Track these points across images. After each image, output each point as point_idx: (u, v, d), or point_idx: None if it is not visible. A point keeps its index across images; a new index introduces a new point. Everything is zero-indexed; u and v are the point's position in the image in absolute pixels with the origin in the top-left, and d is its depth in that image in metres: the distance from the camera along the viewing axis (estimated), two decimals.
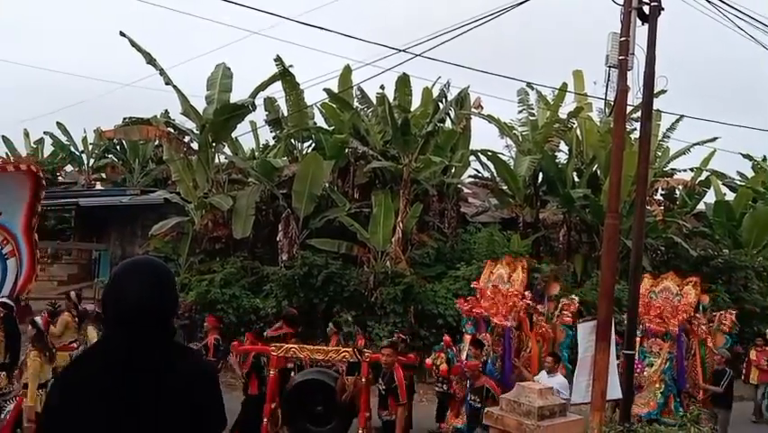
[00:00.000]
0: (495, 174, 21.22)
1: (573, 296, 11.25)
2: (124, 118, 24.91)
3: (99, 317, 10.20)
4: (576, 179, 20.70)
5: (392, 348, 9.08)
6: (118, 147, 30.86)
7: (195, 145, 19.52)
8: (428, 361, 10.51)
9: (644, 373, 10.67)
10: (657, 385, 10.53)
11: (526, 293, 10.90)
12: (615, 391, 9.22)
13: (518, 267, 10.82)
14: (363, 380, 8.94)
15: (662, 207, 19.58)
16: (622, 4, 9.16)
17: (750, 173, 24.53)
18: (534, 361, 10.36)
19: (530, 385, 5.46)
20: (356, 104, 20.25)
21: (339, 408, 9.44)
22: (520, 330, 10.58)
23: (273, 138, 22.69)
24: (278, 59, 18.52)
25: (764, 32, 10.98)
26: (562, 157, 21.81)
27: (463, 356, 10.11)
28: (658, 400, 10.43)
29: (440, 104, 19.79)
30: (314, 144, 20.80)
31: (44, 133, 32.05)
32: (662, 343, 10.73)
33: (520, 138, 20.90)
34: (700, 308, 11.59)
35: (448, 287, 16.65)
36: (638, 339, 10.77)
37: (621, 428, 8.80)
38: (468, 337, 10.36)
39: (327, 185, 18.98)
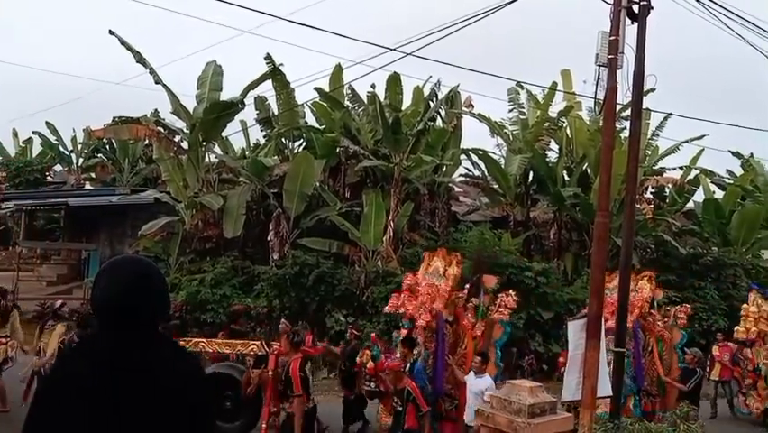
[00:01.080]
0: (486, 173, 21.29)
1: (511, 291, 10.44)
2: (114, 117, 24.77)
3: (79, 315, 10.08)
4: (566, 177, 20.79)
5: (287, 339, 9.05)
6: (108, 146, 30.68)
7: (185, 144, 19.43)
8: (358, 360, 9.93)
9: None
10: None
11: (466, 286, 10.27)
12: (605, 388, 9.26)
13: (453, 261, 10.04)
14: (270, 373, 8.82)
15: (651, 206, 19.68)
16: (612, 3, 9.18)
17: (739, 171, 24.69)
18: (469, 359, 9.64)
19: (521, 383, 5.47)
20: (347, 103, 20.25)
21: (246, 402, 9.30)
22: (456, 326, 9.94)
23: (264, 137, 22.65)
24: (269, 58, 18.47)
25: (752, 31, 11.05)
26: (552, 156, 21.91)
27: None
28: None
29: (431, 103, 19.82)
30: (305, 143, 20.77)
31: (33, 132, 31.88)
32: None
33: (511, 137, 20.97)
34: (655, 303, 11.16)
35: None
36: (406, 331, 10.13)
37: (611, 425, 8.82)
38: (404, 332, 9.73)
39: (318, 184, 18.96)
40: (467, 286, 10.30)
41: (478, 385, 8.63)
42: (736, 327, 13.76)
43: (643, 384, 10.41)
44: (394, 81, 20.01)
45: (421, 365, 9.02)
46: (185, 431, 2.16)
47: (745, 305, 13.68)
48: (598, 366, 8.94)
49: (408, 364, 9.10)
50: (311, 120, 21.08)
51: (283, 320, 11.66)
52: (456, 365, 9.42)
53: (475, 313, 10.02)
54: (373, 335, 11.32)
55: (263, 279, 16.63)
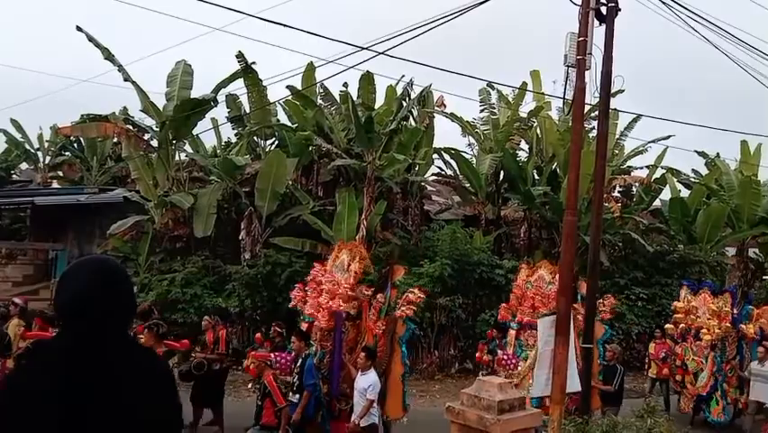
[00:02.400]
0: (458, 172, 21.45)
1: (415, 288, 10.03)
2: (82, 115, 24.36)
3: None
4: (536, 176, 21.07)
5: (150, 331, 8.97)
6: (75, 144, 30.11)
7: (154, 143, 19.19)
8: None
9: (518, 368, 10.04)
10: (530, 382, 9.60)
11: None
12: (574, 384, 9.42)
13: (357, 256, 9.66)
14: None
15: (619, 204, 20.05)
16: (580, 4, 9.33)
17: (704, 170, 25.26)
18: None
19: (490, 379, 5.55)
20: (320, 101, 20.20)
21: None
22: (359, 322, 9.62)
23: (235, 135, 22.46)
24: (241, 56, 18.34)
25: (717, 34, 11.32)
26: (522, 155, 22.20)
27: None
28: (532, 399, 9.48)
29: (403, 102, 19.89)
30: (277, 142, 20.66)
31: None
32: (536, 335, 9.81)
33: (482, 136, 21.18)
34: (578, 297, 10.78)
35: (411, 284, 16.72)
36: (514, 332, 10.36)
37: (580, 421, 8.97)
38: (305, 326, 9.52)
39: (291, 183, 18.89)
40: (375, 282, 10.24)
41: (360, 383, 8.47)
42: (667, 325, 13.64)
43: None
44: (367, 80, 20.03)
45: (312, 362, 8.67)
46: (151, 432, 2.15)
47: (676, 301, 13.53)
48: (568, 362, 9.12)
49: (300, 359, 8.79)
50: (283, 118, 20.99)
51: (206, 317, 11.44)
52: (354, 363, 9.05)
53: (378, 311, 9.74)
54: (258, 335, 11.54)
55: (235, 278, 16.52)
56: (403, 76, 20.72)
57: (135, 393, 2.10)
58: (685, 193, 23.52)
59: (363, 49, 12.23)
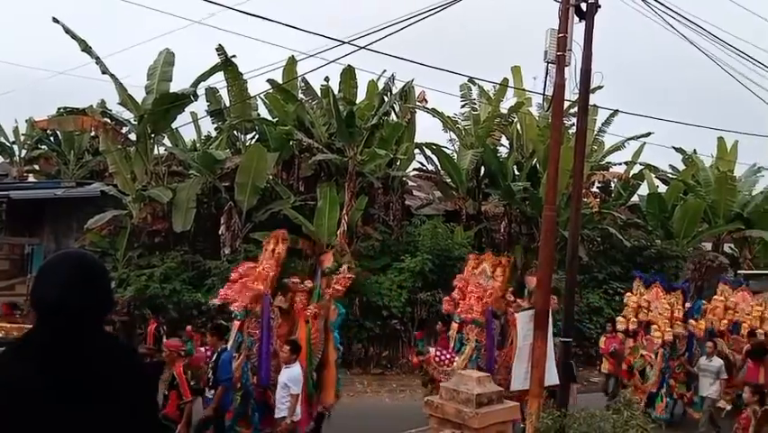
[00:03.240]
0: (439, 167, 21.51)
1: (345, 267, 9.84)
2: (59, 108, 23.95)
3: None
4: (516, 172, 21.22)
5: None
6: (52, 138, 29.61)
7: (132, 136, 18.94)
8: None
9: (454, 363, 9.60)
10: None
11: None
12: (552, 377, 9.53)
13: (279, 239, 9.63)
14: None
15: (598, 200, 20.27)
16: (560, 1, 9.40)
17: (681, 166, 25.59)
18: (302, 345, 8.99)
19: (469, 373, 5.58)
20: (301, 95, 20.08)
21: None
22: (292, 314, 9.53)
23: (215, 129, 22.23)
24: (221, 49, 18.15)
25: (695, 32, 11.47)
26: (503, 151, 22.33)
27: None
28: None
29: (385, 97, 19.85)
30: (257, 136, 20.52)
31: None
32: (476, 330, 9.78)
33: (463, 132, 21.26)
34: (526, 292, 10.63)
35: (393, 279, 16.81)
36: (457, 325, 10.00)
37: (558, 414, 9.07)
38: (236, 324, 8.96)
39: (271, 177, 18.78)
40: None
41: (282, 377, 8.23)
42: (618, 318, 13.18)
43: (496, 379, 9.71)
44: (348, 74, 19.96)
45: (228, 357, 8.27)
46: (130, 429, 2.13)
47: (629, 293, 13.16)
48: (546, 356, 9.22)
49: (216, 354, 8.39)
50: (264, 112, 20.85)
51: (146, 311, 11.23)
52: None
53: (309, 296, 9.57)
54: (188, 327, 11.40)
55: (214, 273, 16.40)
56: (384, 71, 20.69)
57: (113, 389, 2.08)
58: (663, 189, 23.86)
59: (345, 43, 12.18)
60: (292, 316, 9.57)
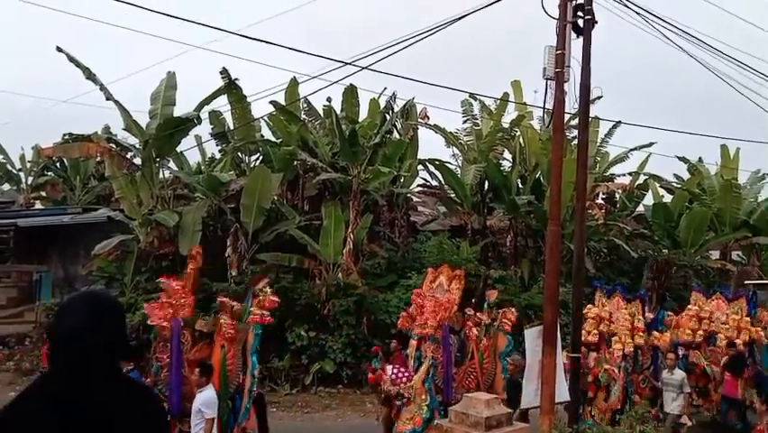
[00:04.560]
0: (443, 183, 21.55)
1: (268, 289, 9.25)
2: (64, 135, 24.15)
3: None
4: (520, 185, 21.23)
5: None
6: (58, 164, 29.87)
7: (138, 161, 19.09)
8: None
9: (411, 381, 9.18)
10: (423, 397, 8.98)
11: None
12: (563, 394, 9.48)
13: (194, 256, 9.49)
14: None
15: (603, 211, 20.23)
16: (557, 18, 9.47)
17: (686, 175, 25.57)
18: (216, 368, 8.49)
19: (477, 396, 5.57)
20: (303, 116, 20.23)
21: None
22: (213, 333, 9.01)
23: (219, 152, 22.41)
24: (225, 72, 18.33)
25: (693, 44, 11.51)
26: (506, 165, 22.37)
27: None
28: (423, 415, 8.79)
29: (387, 115, 19.96)
30: (261, 157, 20.63)
31: None
32: (432, 347, 9.37)
33: (466, 147, 21.33)
34: (485, 305, 10.22)
35: (400, 296, 16.76)
36: (415, 342, 9.51)
37: (570, 431, 9.02)
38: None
39: (276, 198, 18.86)
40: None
41: (195, 402, 7.77)
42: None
43: (451, 397, 9.16)
44: (350, 93, 20.10)
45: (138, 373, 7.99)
46: None
47: (590, 305, 12.52)
48: (556, 372, 9.17)
49: None
50: (267, 134, 20.99)
51: None
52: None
53: (237, 318, 9.09)
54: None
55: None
56: (385, 88, 20.90)
57: (126, 429, 2.12)
58: (668, 198, 23.81)
59: (346, 64, 12.31)
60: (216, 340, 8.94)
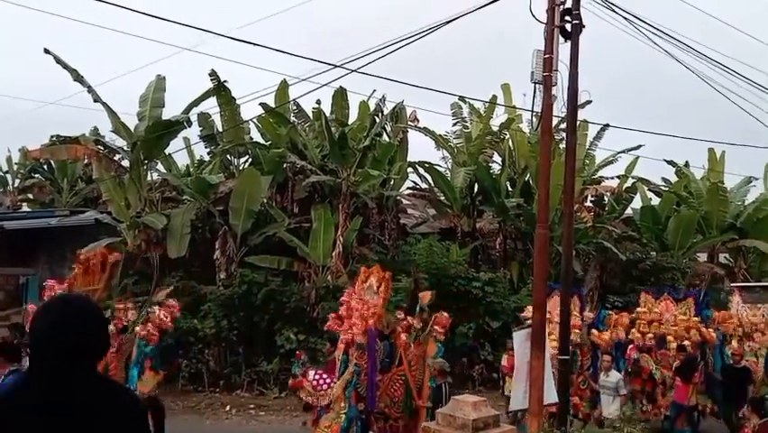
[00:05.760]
0: (432, 185, 21.59)
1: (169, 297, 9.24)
2: (51, 137, 24.01)
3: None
4: (510, 188, 21.31)
5: None
6: (45, 166, 29.68)
7: (126, 163, 18.99)
8: None
9: (332, 387, 8.69)
10: (342, 404, 8.52)
11: None
12: (551, 396, 9.50)
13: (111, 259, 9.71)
14: None
15: (591, 214, 20.32)
16: (545, 22, 9.52)
17: (674, 178, 25.75)
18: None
19: (464, 398, 5.58)
20: (293, 118, 20.20)
21: None
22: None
23: (208, 154, 22.31)
24: (213, 74, 18.29)
25: (680, 48, 11.60)
26: (495, 167, 22.44)
27: None
28: (342, 424, 8.43)
29: (376, 118, 19.98)
30: (250, 160, 20.58)
31: None
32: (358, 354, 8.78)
33: (455, 150, 21.39)
34: (417, 308, 9.61)
35: (390, 299, 16.71)
36: (342, 346, 8.98)
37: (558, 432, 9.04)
38: None
39: (265, 200, 18.83)
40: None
41: None
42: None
43: (373, 405, 8.71)
44: (340, 96, 20.11)
45: (9, 381, 7.70)
46: None
47: (529, 306, 11.81)
48: (544, 375, 9.19)
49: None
50: (256, 136, 20.94)
51: None
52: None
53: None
54: None
55: (210, 299, 16.37)
56: (374, 91, 20.86)
57: (109, 428, 2.13)
58: (656, 201, 23.96)
59: (336, 66, 12.29)
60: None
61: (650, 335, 12.15)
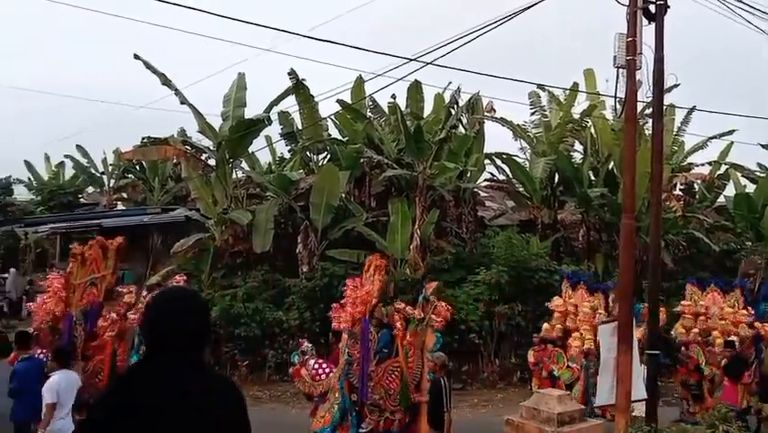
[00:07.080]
0: (511, 177, 21.24)
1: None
2: (142, 138, 25.30)
3: None
4: (592, 178, 20.64)
5: None
6: (138, 167, 31.34)
7: (212, 162, 19.80)
8: None
9: (329, 377, 8.65)
10: (336, 395, 8.39)
11: None
12: (639, 391, 9.19)
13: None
14: None
15: (681, 203, 19.41)
16: (627, 4, 9.17)
17: None
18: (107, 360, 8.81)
19: (549, 392, 5.50)
20: (369, 114, 20.41)
21: None
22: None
23: (289, 151, 22.93)
24: (292, 73, 18.75)
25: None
26: (577, 157, 21.79)
27: None
28: (334, 414, 8.28)
29: (452, 110, 19.87)
30: (329, 156, 20.97)
31: (65, 156, 32.67)
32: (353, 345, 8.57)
33: (534, 140, 20.92)
34: (421, 299, 9.21)
35: (468, 292, 16.67)
36: (345, 336, 8.71)
37: (648, 429, 8.75)
38: None
39: (344, 195, 19.12)
40: None
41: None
42: (544, 325, 11.91)
43: (366, 396, 8.39)
44: (415, 89, 20.13)
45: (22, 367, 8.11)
46: None
47: (555, 297, 11.81)
48: (632, 370, 8.90)
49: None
50: (334, 132, 21.30)
51: None
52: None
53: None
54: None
55: (294, 291, 16.83)
56: (450, 83, 20.73)
57: (213, 418, 2.26)
58: (751, 188, 22.58)
59: (410, 60, 12.35)
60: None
61: (695, 330, 11.49)
